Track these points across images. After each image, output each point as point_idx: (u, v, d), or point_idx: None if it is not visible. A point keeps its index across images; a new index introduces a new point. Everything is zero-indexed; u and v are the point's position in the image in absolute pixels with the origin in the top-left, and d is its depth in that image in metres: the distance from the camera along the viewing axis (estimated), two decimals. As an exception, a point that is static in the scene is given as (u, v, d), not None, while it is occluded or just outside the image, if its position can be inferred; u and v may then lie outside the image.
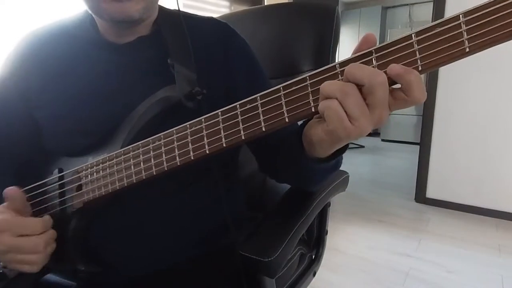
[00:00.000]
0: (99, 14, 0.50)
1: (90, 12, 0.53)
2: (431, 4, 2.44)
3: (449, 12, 2.05)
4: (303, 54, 0.82)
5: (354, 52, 0.33)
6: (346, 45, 5.00)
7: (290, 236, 0.55)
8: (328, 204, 0.82)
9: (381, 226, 2.04)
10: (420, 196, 2.36)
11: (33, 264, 0.46)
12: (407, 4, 4.80)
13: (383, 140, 4.74)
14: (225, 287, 0.58)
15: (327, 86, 0.31)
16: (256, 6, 1.08)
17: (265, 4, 2.49)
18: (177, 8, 0.60)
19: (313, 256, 0.83)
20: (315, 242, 0.82)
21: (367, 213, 2.23)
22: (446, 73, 2.13)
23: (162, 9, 0.60)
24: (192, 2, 2.03)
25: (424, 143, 2.31)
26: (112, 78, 0.55)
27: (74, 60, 0.56)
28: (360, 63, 0.31)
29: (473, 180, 2.16)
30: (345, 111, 0.31)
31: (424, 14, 4.64)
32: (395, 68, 0.29)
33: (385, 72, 0.30)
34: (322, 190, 0.67)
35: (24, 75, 0.57)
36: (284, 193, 0.69)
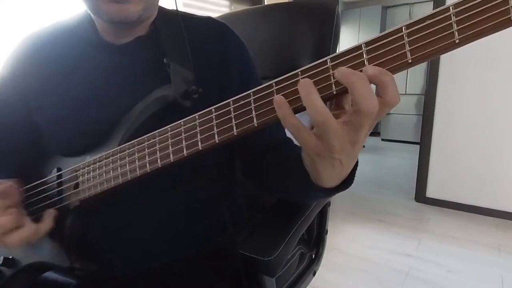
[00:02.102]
0: (98, 14, 0.50)
1: (89, 12, 0.53)
2: (431, 4, 2.44)
3: (449, 12, 2.05)
4: (303, 54, 0.82)
5: None
6: (346, 45, 4.97)
7: (290, 236, 0.55)
8: (328, 204, 0.82)
9: (381, 226, 2.04)
10: (420, 195, 2.36)
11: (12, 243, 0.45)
12: (407, 4, 4.80)
13: (383, 139, 4.74)
14: (225, 286, 0.58)
15: (313, 113, 0.31)
16: (256, 6, 1.08)
17: (265, 3, 2.49)
18: (174, 9, 0.60)
19: (313, 256, 0.83)
20: (315, 242, 0.83)
21: (367, 212, 2.23)
22: (446, 72, 2.13)
23: (160, 9, 0.60)
24: (192, 2, 2.03)
25: (424, 143, 2.31)
26: (111, 79, 0.55)
27: (73, 61, 0.56)
28: (351, 57, 0.31)
29: (473, 179, 2.16)
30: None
31: (424, 14, 4.63)
32: (370, 70, 0.29)
33: (361, 71, 0.30)
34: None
35: (24, 77, 0.57)
36: (284, 192, 0.69)
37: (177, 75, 0.51)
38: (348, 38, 5.02)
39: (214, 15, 0.94)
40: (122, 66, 0.55)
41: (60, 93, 0.55)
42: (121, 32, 0.55)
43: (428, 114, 2.25)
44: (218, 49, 0.59)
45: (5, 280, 0.54)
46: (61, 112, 0.55)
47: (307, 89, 0.30)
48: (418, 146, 2.41)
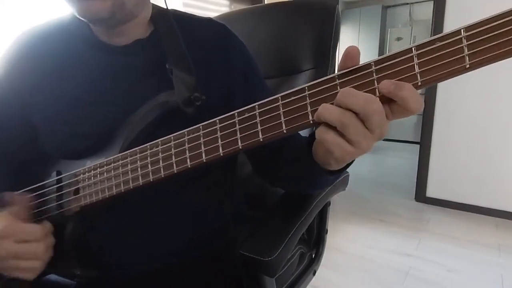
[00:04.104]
0: (76, 13, 0.49)
1: None
2: (432, 3, 2.44)
3: (449, 11, 2.05)
4: (303, 54, 0.82)
5: (340, 69, 0.32)
6: (347, 45, 4.97)
7: (290, 235, 0.55)
8: (328, 203, 0.82)
9: (381, 225, 2.04)
10: (420, 195, 2.36)
11: (32, 271, 0.46)
12: (408, 3, 4.79)
13: (383, 139, 4.73)
14: (225, 286, 0.58)
15: (326, 113, 0.31)
16: (256, 5, 1.07)
17: (265, 3, 2.49)
18: (174, 9, 0.59)
19: (313, 255, 0.83)
20: (315, 241, 0.82)
21: (367, 212, 2.23)
22: (446, 72, 2.12)
23: (160, 10, 0.60)
24: (192, 1, 2.03)
25: (424, 143, 2.30)
26: (108, 80, 0.54)
27: (68, 59, 0.55)
28: (360, 75, 0.31)
29: (473, 179, 2.16)
30: (346, 139, 0.32)
31: (424, 13, 4.63)
32: (386, 86, 0.29)
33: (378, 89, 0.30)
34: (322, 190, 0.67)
35: (19, 76, 0.56)
36: (284, 192, 0.69)
37: (180, 81, 0.51)
38: (348, 38, 5.02)
39: (214, 14, 0.94)
40: (119, 68, 0.54)
41: (55, 91, 0.54)
42: (110, 31, 0.54)
43: (428, 114, 2.24)
44: (218, 51, 0.58)
45: (4, 282, 0.54)
46: (57, 110, 0.54)
47: (344, 91, 0.31)
48: (418, 146, 2.40)
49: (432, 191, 2.32)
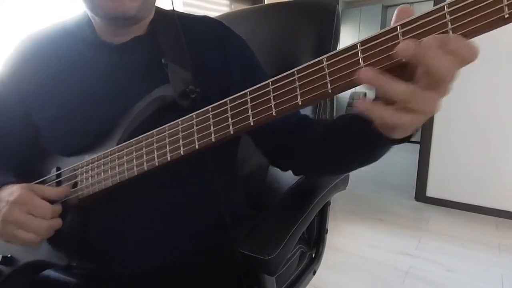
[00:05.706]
0: (95, 11, 0.50)
1: (86, 9, 0.53)
2: (432, 3, 2.44)
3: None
4: (303, 53, 0.82)
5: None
6: (346, 44, 4.98)
7: (290, 235, 0.55)
8: (328, 203, 0.82)
9: (381, 225, 2.04)
10: (420, 194, 2.36)
11: (26, 242, 0.48)
12: (408, 3, 4.79)
13: (383, 139, 4.73)
14: (225, 285, 0.58)
15: (398, 91, 0.28)
16: (256, 5, 1.08)
17: (265, 3, 2.49)
18: (172, 9, 0.60)
19: (313, 255, 0.83)
20: (315, 241, 0.83)
21: (367, 211, 2.23)
22: (446, 71, 2.12)
23: (158, 10, 0.60)
24: (192, 1, 2.03)
25: (424, 142, 2.30)
26: (109, 79, 0.55)
27: (72, 61, 0.56)
28: (346, 56, 0.31)
29: (473, 178, 2.16)
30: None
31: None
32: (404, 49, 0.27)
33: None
34: (322, 189, 0.67)
35: (23, 77, 0.57)
36: (284, 191, 0.69)
37: (175, 75, 0.52)
38: (348, 37, 5.01)
39: (214, 14, 0.94)
40: (120, 66, 0.55)
41: (59, 93, 0.55)
42: (118, 31, 0.55)
43: (428, 113, 2.24)
44: (216, 47, 0.59)
45: (3, 278, 0.54)
46: (60, 112, 0.55)
47: (381, 81, 0.28)
48: (418, 145, 2.40)
49: (432, 191, 2.32)
